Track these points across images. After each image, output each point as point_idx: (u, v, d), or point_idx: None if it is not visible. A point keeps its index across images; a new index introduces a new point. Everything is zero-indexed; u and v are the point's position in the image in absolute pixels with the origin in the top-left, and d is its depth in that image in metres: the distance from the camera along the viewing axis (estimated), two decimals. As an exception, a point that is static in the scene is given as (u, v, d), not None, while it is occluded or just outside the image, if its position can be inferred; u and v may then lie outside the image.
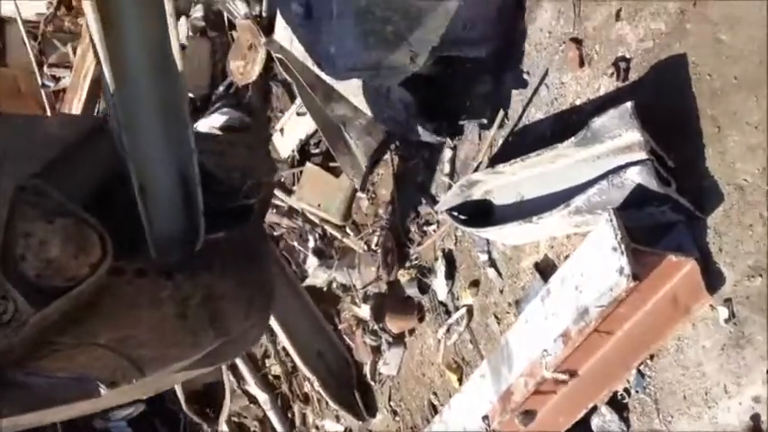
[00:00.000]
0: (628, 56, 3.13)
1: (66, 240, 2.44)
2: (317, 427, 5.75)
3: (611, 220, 2.63)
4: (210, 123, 5.58)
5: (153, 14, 2.24)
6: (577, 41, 3.38)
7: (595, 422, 3.04)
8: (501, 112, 3.70)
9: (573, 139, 2.96)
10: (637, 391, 2.94)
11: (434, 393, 4.41)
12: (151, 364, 2.65)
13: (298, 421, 6.00)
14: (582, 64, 3.36)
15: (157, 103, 2.46)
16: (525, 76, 3.62)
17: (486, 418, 3.20)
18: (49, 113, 8.77)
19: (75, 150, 2.62)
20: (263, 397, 6.03)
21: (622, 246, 2.55)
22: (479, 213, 3.70)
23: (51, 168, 2.56)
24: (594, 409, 3.07)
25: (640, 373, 2.92)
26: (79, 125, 2.73)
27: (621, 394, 3.01)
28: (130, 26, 2.22)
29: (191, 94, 5.89)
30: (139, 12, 2.22)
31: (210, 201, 2.79)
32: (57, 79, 7.38)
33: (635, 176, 2.71)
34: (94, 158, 2.64)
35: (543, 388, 3.01)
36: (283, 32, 4.39)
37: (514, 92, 3.69)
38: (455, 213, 3.74)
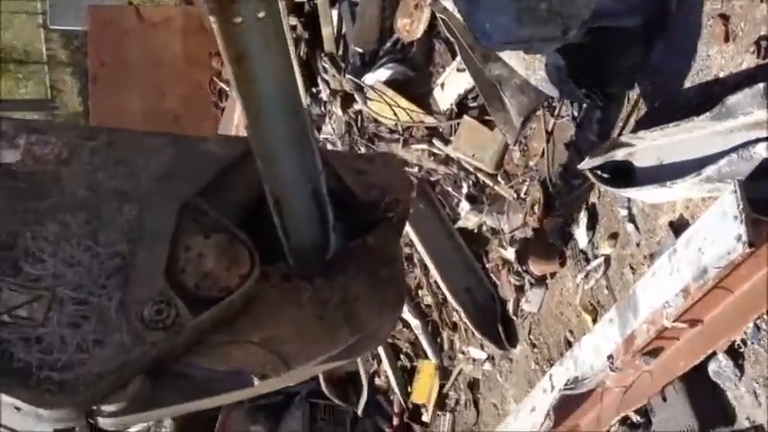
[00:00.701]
0: (770, 35, 3.34)
1: (220, 254, 2.69)
2: (462, 353, 6.30)
3: (736, 191, 2.94)
4: (377, 77, 6.12)
5: (279, 58, 2.46)
6: (725, 17, 3.58)
7: (712, 367, 3.40)
8: (648, 80, 3.98)
9: (708, 113, 3.25)
10: (752, 342, 3.27)
11: (570, 331, 4.86)
12: (296, 360, 2.81)
13: (446, 346, 6.58)
14: (727, 39, 3.57)
15: (286, 133, 2.70)
16: (673, 47, 3.87)
17: (610, 357, 3.64)
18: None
19: (231, 170, 2.91)
20: (415, 322, 6.65)
21: (743, 215, 2.87)
22: (621, 173, 4.04)
23: (210, 187, 2.84)
24: (713, 355, 3.43)
25: (756, 327, 3.24)
26: (235, 146, 2.96)
27: (738, 344, 3.34)
28: (260, 68, 2.45)
29: (359, 49, 6.47)
30: (267, 56, 2.43)
31: (349, 214, 3.02)
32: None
33: (762, 152, 2.99)
34: (246, 178, 2.90)
35: (666, 335, 3.41)
36: (447, -3, 4.80)
37: (662, 61, 3.95)
38: (598, 172, 4.10)
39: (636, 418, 3.96)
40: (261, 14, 2.32)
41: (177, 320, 2.57)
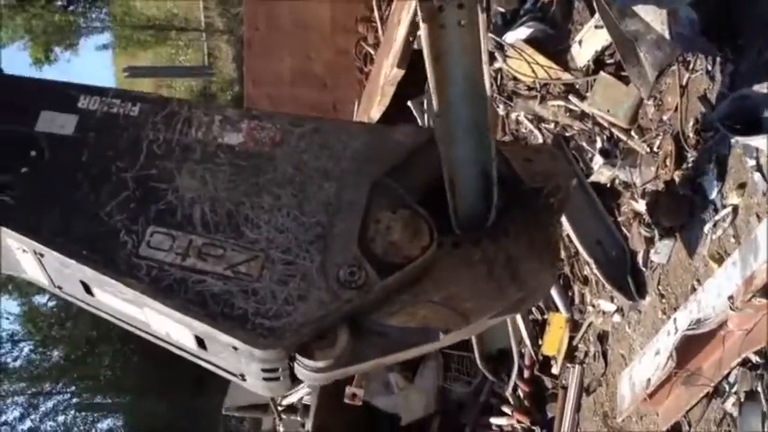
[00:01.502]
0: None
1: (405, 227, 3.12)
2: (593, 306, 6.49)
3: None
4: (517, 35, 6.36)
5: (473, 58, 2.84)
6: None
7: (830, 308, 3.52)
8: (780, 32, 4.05)
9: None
10: None
11: (698, 280, 4.97)
12: (473, 315, 3.17)
13: (577, 300, 6.76)
14: None
15: (469, 121, 3.12)
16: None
17: (731, 297, 3.81)
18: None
19: (414, 156, 3.35)
20: (546, 275, 6.88)
21: None
22: (751, 124, 4.15)
23: (396, 169, 3.30)
24: (832, 296, 3.54)
25: None
26: (418, 136, 3.41)
27: None
28: (455, 66, 2.86)
29: (501, 9, 6.72)
30: (463, 56, 2.83)
31: (515, 197, 3.42)
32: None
33: None
34: (425, 162, 3.33)
35: (785, 275, 3.55)
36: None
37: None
38: (728, 122, 4.22)
39: (756, 359, 4.11)
40: (462, 22, 2.79)
41: (367, 282, 3.03)
